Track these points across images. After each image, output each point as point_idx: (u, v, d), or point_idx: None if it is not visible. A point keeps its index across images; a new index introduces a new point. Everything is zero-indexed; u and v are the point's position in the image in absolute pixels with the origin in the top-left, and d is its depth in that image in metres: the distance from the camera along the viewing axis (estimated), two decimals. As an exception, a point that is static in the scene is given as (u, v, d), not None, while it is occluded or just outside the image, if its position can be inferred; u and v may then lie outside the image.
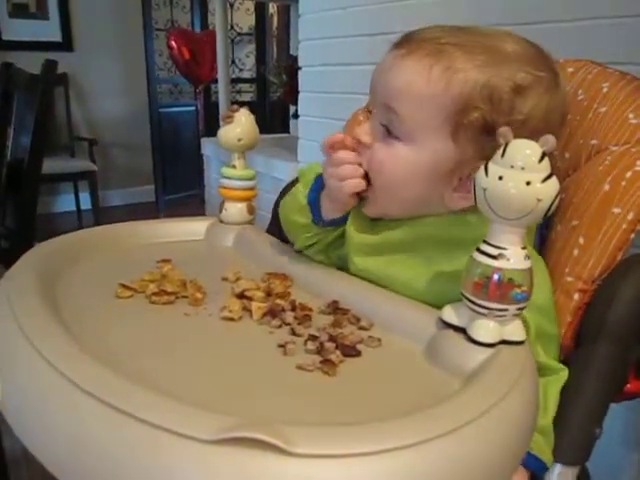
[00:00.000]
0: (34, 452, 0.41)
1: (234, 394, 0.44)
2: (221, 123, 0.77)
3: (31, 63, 1.95)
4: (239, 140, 0.75)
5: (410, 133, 0.57)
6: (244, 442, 0.34)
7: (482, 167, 0.46)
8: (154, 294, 0.59)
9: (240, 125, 0.74)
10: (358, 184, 0.60)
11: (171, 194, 3.92)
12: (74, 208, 3.66)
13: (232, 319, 0.55)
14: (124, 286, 0.60)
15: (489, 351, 0.48)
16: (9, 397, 0.44)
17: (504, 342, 0.49)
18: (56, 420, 0.40)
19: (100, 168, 3.59)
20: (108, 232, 0.76)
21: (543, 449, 0.54)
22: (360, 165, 0.60)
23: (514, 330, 0.50)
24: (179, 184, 3.92)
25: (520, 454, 0.44)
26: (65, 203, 3.77)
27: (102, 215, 3.44)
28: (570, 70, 0.71)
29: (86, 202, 3.54)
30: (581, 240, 0.62)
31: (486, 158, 0.47)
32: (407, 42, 0.58)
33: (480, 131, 0.55)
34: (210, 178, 2.95)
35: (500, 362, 0.47)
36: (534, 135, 0.46)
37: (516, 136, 0.46)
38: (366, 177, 0.60)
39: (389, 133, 0.58)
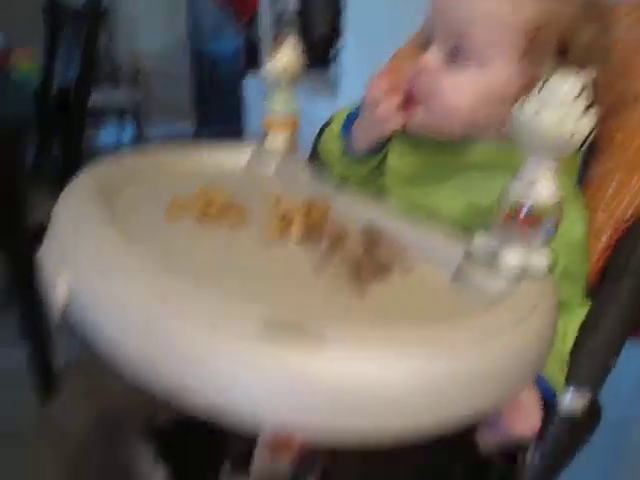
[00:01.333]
0: (103, 346, 0.45)
1: (273, 304, 0.48)
2: (266, 54, 0.79)
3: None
4: (284, 70, 0.77)
5: (482, 57, 0.59)
6: (285, 337, 0.38)
7: (520, 101, 0.48)
8: (203, 213, 0.63)
9: (286, 55, 0.76)
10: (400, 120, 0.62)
11: (210, 127, 3.95)
12: (115, 140, 3.73)
13: (273, 239, 0.59)
14: (172, 206, 0.64)
15: (513, 279, 0.51)
16: (76, 296, 0.48)
17: (527, 273, 0.52)
18: (123, 315, 0.44)
19: (141, 101, 3.63)
20: (155, 156, 0.80)
21: (556, 376, 0.58)
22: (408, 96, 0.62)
23: (539, 261, 0.52)
24: (219, 118, 3.94)
25: (534, 372, 0.47)
26: (107, 136, 3.84)
27: (144, 147, 3.49)
28: (624, 11, 0.71)
29: (127, 135, 3.61)
30: (616, 180, 0.63)
31: None
32: None
33: (551, 52, 0.58)
34: (250, 112, 2.96)
35: (523, 289, 0.50)
36: (585, 66, 0.48)
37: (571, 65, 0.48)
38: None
39: (455, 60, 0.60)
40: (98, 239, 0.50)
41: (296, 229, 0.59)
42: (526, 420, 0.54)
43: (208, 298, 0.42)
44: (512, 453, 0.60)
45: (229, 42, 3.94)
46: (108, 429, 0.76)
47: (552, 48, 0.58)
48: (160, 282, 0.44)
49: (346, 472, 0.62)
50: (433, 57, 0.61)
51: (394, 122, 0.62)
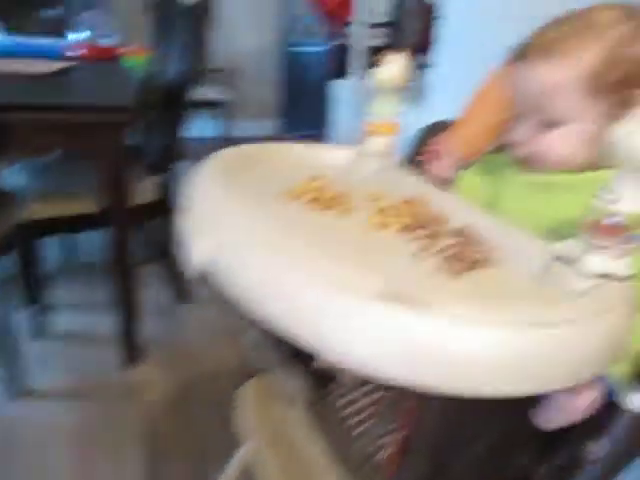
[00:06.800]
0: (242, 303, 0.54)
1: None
2: (375, 63, 0.86)
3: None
4: (393, 79, 0.84)
5: (565, 117, 0.69)
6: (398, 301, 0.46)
7: (612, 124, 0.54)
8: (311, 201, 0.71)
9: (396, 65, 0.84)
10: None
11: (295, 131, 4.08)
12: (204, 135, 3.90)
13: (375, 229, 0.67)
14: (285, 193, 0.73)
15: (595, 282, 0.56)
16: (223, 255, 0.57)
17: (610, 277, 0.57)
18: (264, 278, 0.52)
19: (232, 99, 3.80)
20: (266, 149, 0.89)
21: (622, 372, 0.62)
22: None
23: (622, 267, 0.57)
24: (304, 122, 4.06)
25: (605, 363, 0.52)
26: (196, 130, 4.00)
27: (231, 144, 3.63)
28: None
29: (215, 130, 3.75)
30: None
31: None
32: (531, 51, 0.70)
33: (619, 88, 0.65)
34: (337, 119, 3.06)
35: (604, 290, 0.55)
36: None
37: None
38: None
39: (544, 126, 0.71)
40: (240, 213, 0.59)
41: (396, 222, 0.67)
42: (581, 398, 0.62)
43: (333, 266, 0.50)
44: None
45: (319, 46, 4.06)
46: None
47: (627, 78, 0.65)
48: (289, 250, 0.53)
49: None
50: (524, 131, 0.73)
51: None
